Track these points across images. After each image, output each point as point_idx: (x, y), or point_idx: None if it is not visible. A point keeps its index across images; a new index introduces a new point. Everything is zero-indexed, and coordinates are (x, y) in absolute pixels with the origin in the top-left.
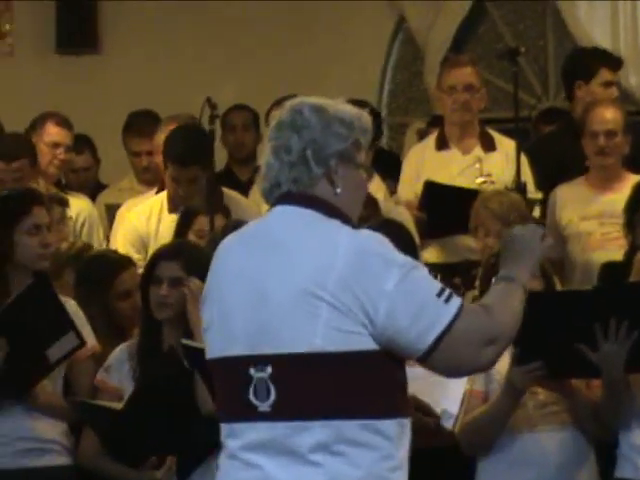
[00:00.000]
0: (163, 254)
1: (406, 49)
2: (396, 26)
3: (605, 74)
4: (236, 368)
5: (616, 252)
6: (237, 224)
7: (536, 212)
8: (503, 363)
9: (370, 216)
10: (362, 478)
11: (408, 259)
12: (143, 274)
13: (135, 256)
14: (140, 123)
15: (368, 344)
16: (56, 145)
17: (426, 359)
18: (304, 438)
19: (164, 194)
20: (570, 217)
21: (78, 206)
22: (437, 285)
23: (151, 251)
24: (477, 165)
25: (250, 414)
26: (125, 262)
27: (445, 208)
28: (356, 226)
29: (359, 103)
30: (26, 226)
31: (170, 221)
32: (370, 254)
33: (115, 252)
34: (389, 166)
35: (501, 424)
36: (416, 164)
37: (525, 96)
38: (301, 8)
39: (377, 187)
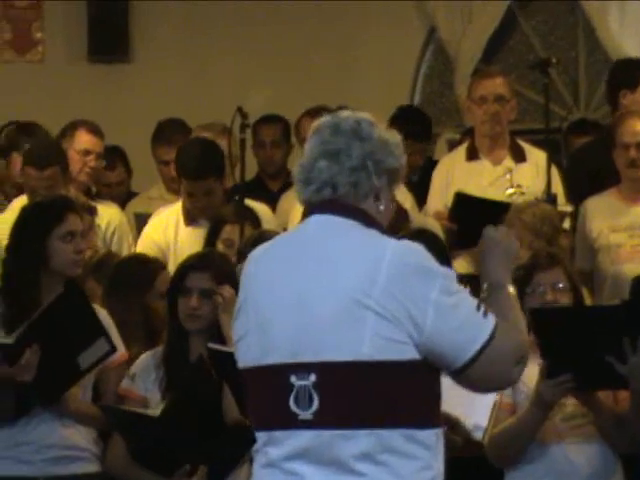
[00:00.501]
0: (192, 265)
1: (437, 60)
2: (427, 37)
3: None
4: (275, 376)
5: None
6: (261, 235)
7: (566, 224)
8: (530, 375)
9: (400, 226)
10: None
11: (448, 270)
12: (171, 284)
13: None
14: (169, 132)
15: (412, 353)
16: (87, 152)
17: (463, 372)
18: (348, 447)
19: (179, 205)
20: (600, 229)
21: (108, 215)
22: (474, 299)
23: (171, 263)
24: (507, 176)
25: (291, 422)
26: (160, 263)
27: (475, 219)
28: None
29: (408, 109)
30: (60, 233)
31: (187, 233)
32: (415, 263)
33: (147, 255)
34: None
35: (529, 436)
36: (446, 174)
37: (556, 107)
38: (332, 18)
39: (404, 197)
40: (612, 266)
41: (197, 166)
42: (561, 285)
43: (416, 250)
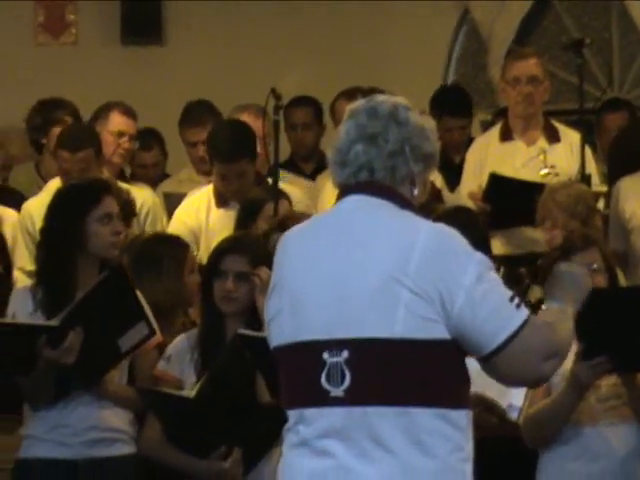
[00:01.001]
0: (228, 247)
1: (470, 41)
2: (460, 18)
3: None
4: (308, 353)
5: None
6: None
7: (601, 204)
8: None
9: (434, 206)
10: (437, 468)
11: (484, 257)
12: (206, 267)
13: None
14: (196, 113)
15: (444, 333)
16: (121, 134)
17: (490, 359)
18: (379, 425)
19: (210, 188)
20: (634, 209)
21: (142, 196)
22: (509, 291)
23: (202, 246)
24: (541, 157)
25: (322, 400)
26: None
27: (510, 200)
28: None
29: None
30: (97, 215)
31: (219, 216)
32: (450, 246)
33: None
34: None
35: (565, 417)
36: (480, 155)
37: (590, 88)
38: (364, 1)
39: (434, 177)
40: None
41: (230, 148)
42: (596, 266)
43: (450, 233)
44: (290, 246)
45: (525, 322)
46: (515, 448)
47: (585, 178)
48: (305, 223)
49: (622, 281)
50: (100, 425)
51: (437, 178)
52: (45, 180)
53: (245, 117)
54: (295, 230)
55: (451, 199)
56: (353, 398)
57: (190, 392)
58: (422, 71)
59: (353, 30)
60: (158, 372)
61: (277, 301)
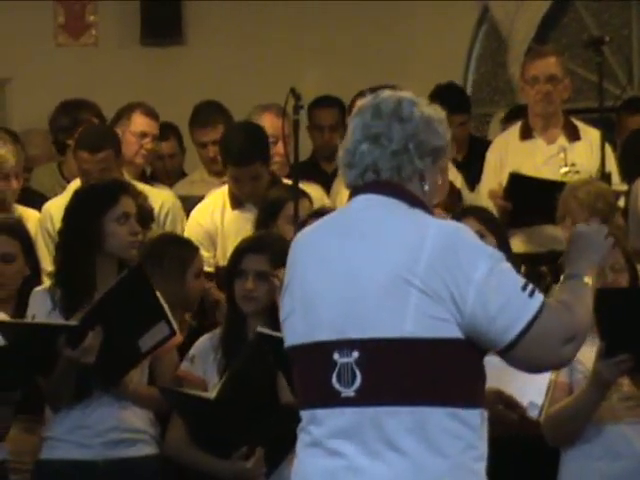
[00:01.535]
0: (248, 247)
1: (490, 40)
2: (480, 17)
3: None
4: (319, 353)
5: None
6: (321, 210)
7: (621, 202)
8: (587, 354)
9: (454, 206)
10: (449, 467)
11: (495, 250)
12: (228, 267)
13: (205, 254)
14: (205, 114)
15: (455, 332)
16: (143, 135)
17: (508, 351)
18: (390, 424)
19: (225, 189)
20: None
21: (161, 197)
22: (521, 279)
23: (219, 247)
24: (561, 155)
25: (333, 400)
26: (197, 245)
27: (530, 199)
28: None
29: (448, 87)
30: (115, 215)
31: (234, 217)
32: (459, 243)
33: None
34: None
35: (587, 416)
36: (500, 153)
37: (610, 86)
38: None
39: (455, 177)
40: None
41: (242, 151)
42: (618, 265)
43: (459, 230)
44: (301, 245)
45: (540, 309)
46: (536, 446)
47: (605, 176)
48: (316, 223)
49: None
50: (120, 426)
51: (457, 178)
52: (68, 181)
53: (267, 117)
54: (307, 230)
55: (471, 198)
56: (364, 398)
57: (211, 393)
58: (442, 70)
59: (372, 29)
60: (182, 372)
61: (289, 301)
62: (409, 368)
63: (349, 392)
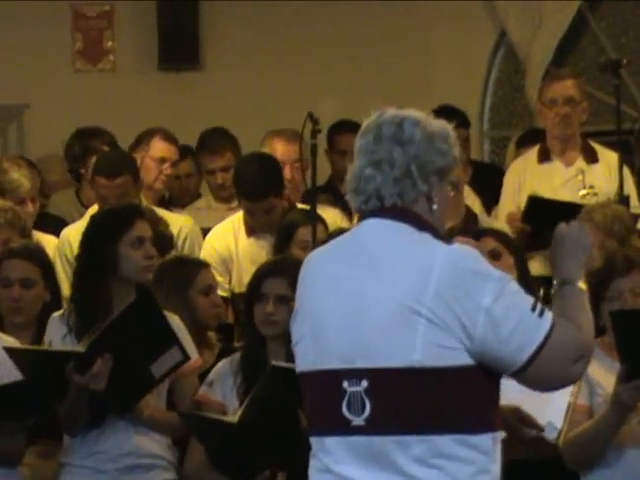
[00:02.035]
0: (268, 271)
1: (507, 63)
2: (497, 41)
3: None
4: (328, 381)
5: None
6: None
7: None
8: (607, 378)
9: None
10: None
11: (502, 273)
12: (247, 291)
13: (219, 279)
14: (212, 141)
15: (465, 359)
16: (162, 160)
17: (521, 373)
18: (401, 453)
19: (240, 215)
20: None
21: (179, 222)
22: (530, 299)
23: (234, 273)
24: (579, 177)
25: (343, 428)
26: (203, 262)
27: (549, 221)
28: (446, 240)
29: (448, 110)
30: (130, 239)
31: (249, 244)
32: (466, 269)
33: (190, 256)
34: (490, 179)
35: (607, 440)
36: (518, 176)
37: (627, 109)
38: (402, 24)
39: (472, 201)
40: None
41: (256, 186)
42: (638, 289)
43: (467, 254)
44: (310, 270)
45: (551, 329)
46: (554, 470)
47: (624, 199)
48: (325, 247)
49: None
50: (136, 451)
51: (475, 202)
52: (86, 207)
53: (278, 141)
54: (315, 253)
55: (488, 223)
56: (373, 427)
57: (233, 417)
58: (460, 94)
59: (391, 53)
60: (201, 397)
61: (300, 326)
62: (418, 397)
63: (359, 421)
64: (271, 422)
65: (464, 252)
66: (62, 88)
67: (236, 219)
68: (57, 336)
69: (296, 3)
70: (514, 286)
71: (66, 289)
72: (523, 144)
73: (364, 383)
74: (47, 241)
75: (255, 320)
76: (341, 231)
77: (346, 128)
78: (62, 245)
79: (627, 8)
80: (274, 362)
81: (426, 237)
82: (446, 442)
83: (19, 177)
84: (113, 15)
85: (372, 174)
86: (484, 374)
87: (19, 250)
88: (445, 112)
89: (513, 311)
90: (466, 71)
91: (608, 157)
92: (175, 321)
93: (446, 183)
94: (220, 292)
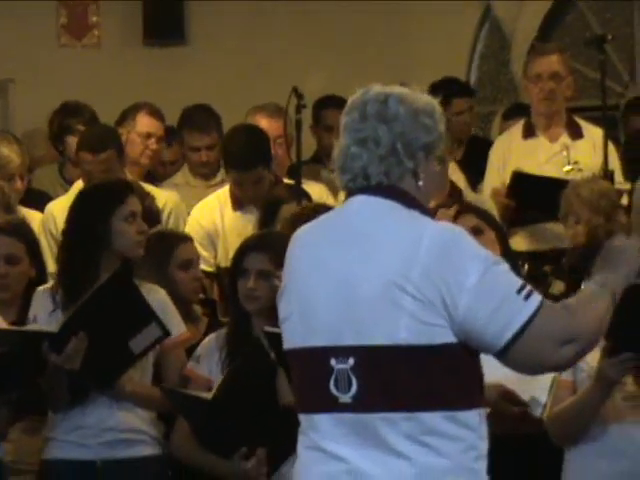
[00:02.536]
0: (251, 246)
1: (493, 38)
2: (482, 16)
3: None
4: (316, 359)
5: None
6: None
7: (624, 201)
8: (592, 353)
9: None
10: (450, 468)
11: (490, 253)
12: (231, 266)
13: (204, 254)
14: (196, 117)
15: (450, 337)
16: (148, 135)
17: (503, 355)
18: (389, 430)
19: (226, 190)
20: None
21: (164, 197)
22: (518, 281)
23: (220, 248)
24: (564, 153)
25: (331, 405)
26: (183, 236)
27: (533, 197)
28: (433, 217)
29: (449, 81)
30: (123, 214)
31: (235, 218)
32: (453, 247)
33: (172, 230)
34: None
35: (591, 415)
36: (503, 152)
37: (612, 84)
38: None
39: (457, 177)
40: None
41: (245, 156)
42: None
43: (454, 234)
44: (297, 247)
45: (536, 312)
46: (539, 444)
47: (608, 174)
48: (312, 223)
49: None
50: (118, 426)
51: (460, 179)
52: (68, 182)
53: (261, 117)
54: (304, 229)
55: (473, 198)
56: (360, 405)
57: (209, 393)
58: (445, 69)
59: (376, 29)
60: (188, 372)
61: (287, 304)
62: (404, 375)
63: (346, 398)
64: (247, 399)
65: (452, 231)
66: (47, 63)
67: (222, 193)
68: (42, 311)
69: None
70: (501, 267)
71: (51, 265)
72: (510, 117)
73: (351, 360)
74: (33, 217)
75: (239, 295)
76: (325, 208)
77: (332, 104)
78: (47, 220)
79: None
80: (266, 328)
81: (415, 214)
82: (434, 419)
83: (9, 153)
84: None
85: (358, 152)
86: (469, 352)
87: (4, 226)
88: (447, 83)
89: (496, 292)
90: (451, 46)
91: (593, 133)
92: (161, 295)
93: (433, 158)
94: (206, 267)
